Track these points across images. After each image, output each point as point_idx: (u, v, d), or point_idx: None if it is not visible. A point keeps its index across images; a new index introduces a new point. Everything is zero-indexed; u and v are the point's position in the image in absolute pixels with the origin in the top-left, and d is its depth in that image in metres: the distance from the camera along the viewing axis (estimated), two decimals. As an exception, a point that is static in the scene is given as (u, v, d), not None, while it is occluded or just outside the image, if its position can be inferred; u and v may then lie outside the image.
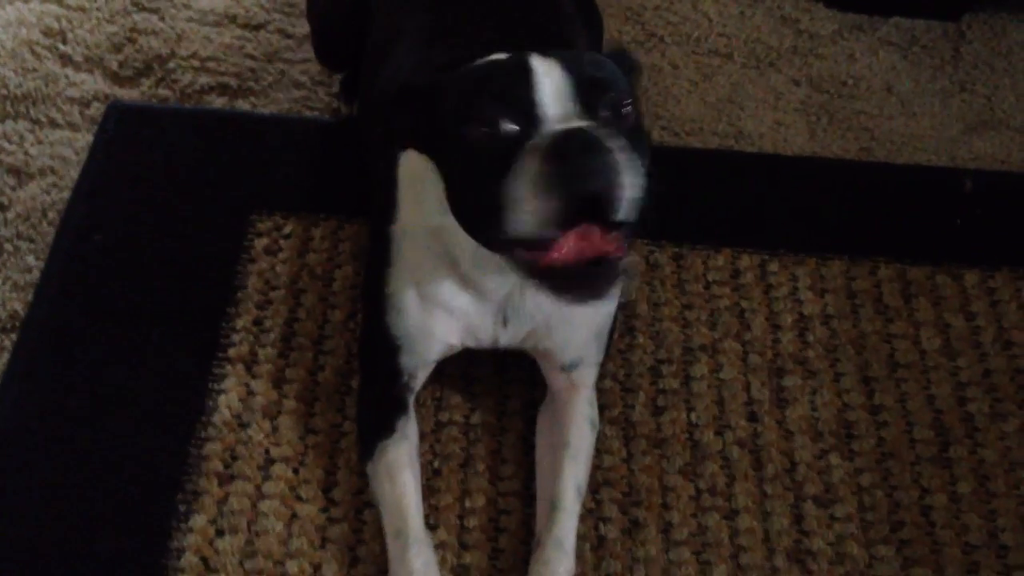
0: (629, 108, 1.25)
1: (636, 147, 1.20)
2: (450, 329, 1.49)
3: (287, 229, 1.83)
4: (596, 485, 1.55)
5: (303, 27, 2.14)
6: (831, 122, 2.12)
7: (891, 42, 2.29)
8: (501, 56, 1.31)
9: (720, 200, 1.94)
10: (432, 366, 1.55)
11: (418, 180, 1.42)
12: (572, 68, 1.23)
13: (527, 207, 1.15)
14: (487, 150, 1.20)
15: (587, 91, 1.22)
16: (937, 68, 2.24)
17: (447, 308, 1.47)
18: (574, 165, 1.13)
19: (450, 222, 1.33)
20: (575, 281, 1.20)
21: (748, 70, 2.21)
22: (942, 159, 2.06)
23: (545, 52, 1.26)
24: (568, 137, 1.15)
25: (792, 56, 2.24)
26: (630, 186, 1.15)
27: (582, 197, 1.14)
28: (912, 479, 1.59)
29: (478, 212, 1.24)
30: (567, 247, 1.17)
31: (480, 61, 1.32)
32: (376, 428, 1.50)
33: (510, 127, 1.19)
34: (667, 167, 1.90)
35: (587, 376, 1.56)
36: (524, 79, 1.21)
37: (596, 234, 1.17)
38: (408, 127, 1.33)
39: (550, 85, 1.21)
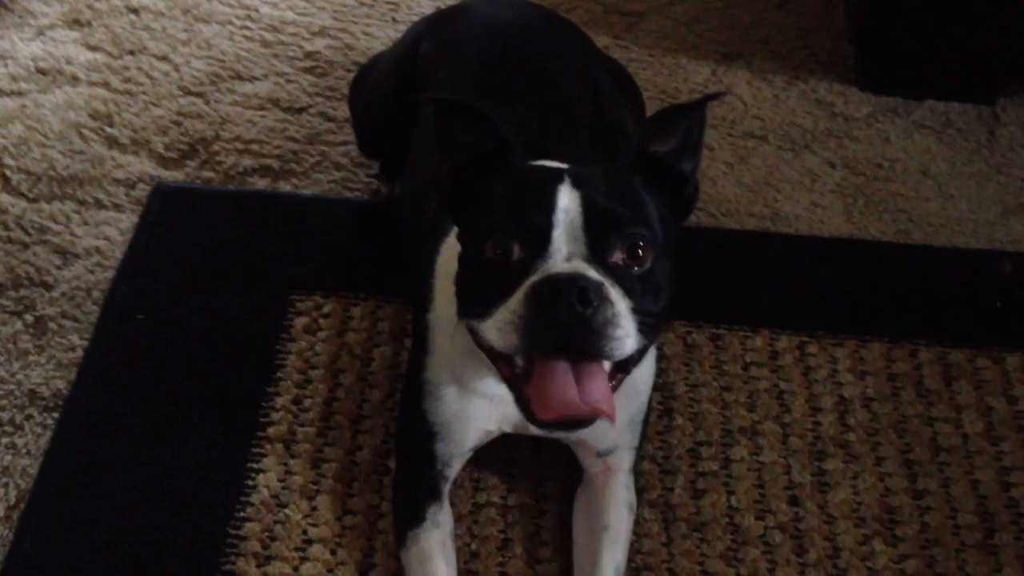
0: (644, 248, 1.28)
1: (648, 285, 1.27)
2: (488, 415, 1.50)
3: (326, 309, 1.85)
4: (635, 570, 1.54)
5: (344, 110, 2.18)
6: (867, 204, 2.12)
7: (926, 125, 2.30)
8: (547, 165, 1.39)
9: (758, 281, 1.94)
10: (469, 454, 1.55)
11: (454, 272, 1.44)
12: (595, 202, 1.27)
13: (501, 333, 1.24)
14: (495, 266, 1.27)
15: (600, 231, 1.26)
16: (972, 151, 2.25)
17: (484, 395, 1.47)
18: (547, 315, 1.20)
19: None
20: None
21: (783, 152, 2.22)
22: (980, 241, 2.06)
23: (582, 174, 1.31)
24: (551, 285, 1.21)
25: (827, 139, 2.26)
26: (614, 337, 1.22)
27: (545, 344, 1.23)
28: (957, 566, 1.56)
29: (472, 302, 1.31)
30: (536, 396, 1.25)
31: (529, 166, 1.37)
32: (408, 516, 1.50)
33: (518, 255, 1.26)
34: (704, 249, 1.95)
35: (623, 461, 1.56)
36: (545, 208, 1.26)
37: (562, 380, 1.24)
38: (457, 142, 1.36)
39: (565, 221, 1.26)
